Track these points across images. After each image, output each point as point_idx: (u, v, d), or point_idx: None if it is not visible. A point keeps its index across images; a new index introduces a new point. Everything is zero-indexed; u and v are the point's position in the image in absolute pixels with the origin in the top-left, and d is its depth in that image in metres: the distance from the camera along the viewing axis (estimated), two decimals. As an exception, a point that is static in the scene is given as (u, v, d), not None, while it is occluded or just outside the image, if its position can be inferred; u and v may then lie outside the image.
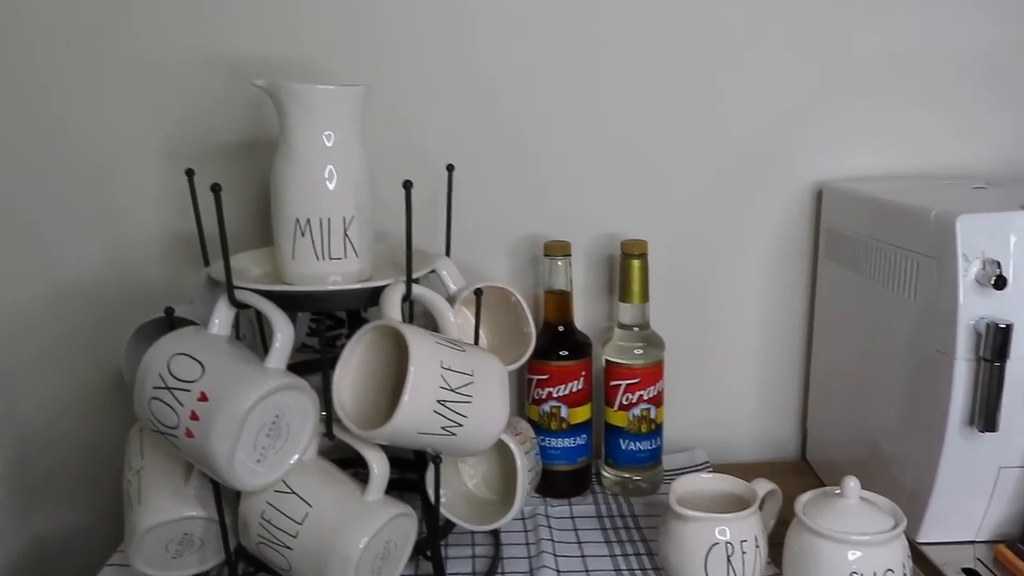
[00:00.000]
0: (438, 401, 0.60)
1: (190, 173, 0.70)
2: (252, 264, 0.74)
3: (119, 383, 0.85)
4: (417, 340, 0.60)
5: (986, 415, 0.65)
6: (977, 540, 0.71)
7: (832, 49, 0.88)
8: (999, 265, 0.63)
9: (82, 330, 0.89)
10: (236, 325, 0.67)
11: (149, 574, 0.66)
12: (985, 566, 0.68)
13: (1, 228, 0.86)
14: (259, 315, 0.76)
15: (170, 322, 0.65)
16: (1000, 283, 0.63)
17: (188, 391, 0.59)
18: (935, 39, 0.89)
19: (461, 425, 0.62)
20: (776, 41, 0.88)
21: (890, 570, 0.63)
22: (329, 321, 0.82)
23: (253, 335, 0.77)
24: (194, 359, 0.60)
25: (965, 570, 0.68)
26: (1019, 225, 0.65)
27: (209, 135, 0.85)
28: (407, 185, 0.63)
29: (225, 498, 0.66)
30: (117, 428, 0.88)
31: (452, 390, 0.61)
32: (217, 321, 0.64)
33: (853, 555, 0.63)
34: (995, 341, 0.63)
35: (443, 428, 0.61)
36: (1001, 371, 0.64)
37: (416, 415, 0.59)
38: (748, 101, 0.89)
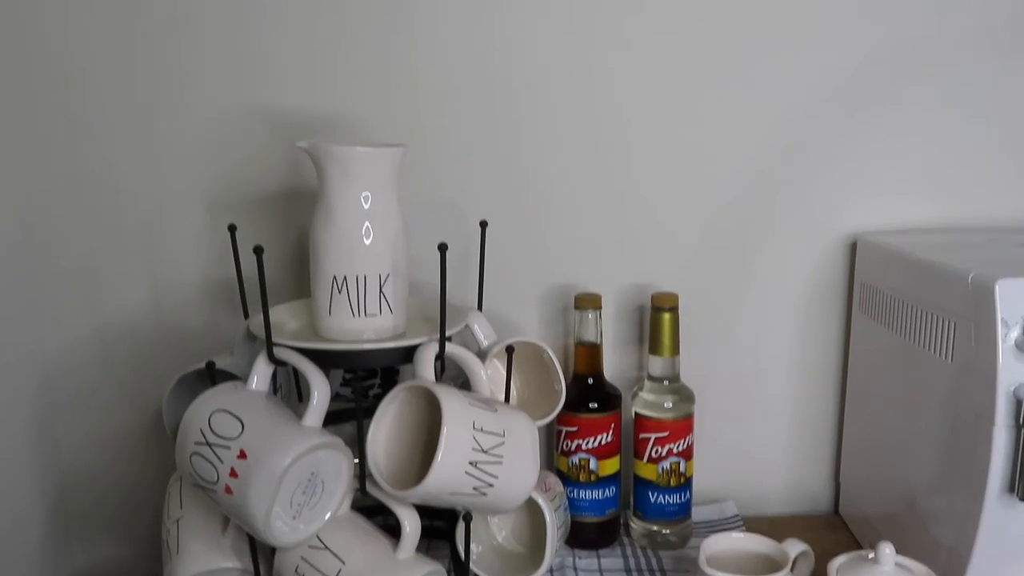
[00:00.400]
0: (470, 463, 0.61)
1: (232, 229, 0.72)
2: (289, 317, 0.75)
3: (157, 423, 0.87)
4: (450, 402, 0.61)
5: (1026, 484, 0.64)
6: (1018, 610, 0.70)
7: (868, 98, 0.88)
8: (1039, 332, 0.63)
9: (123, 371, 0.91)
10: (274, 376, 0.69)
11: (185, 623, 0.67)
12: (1025, 637, 0.67)
13: (52, 273, 0.88)
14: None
15: (211, 375, 0.67)
16: (1040, 351, 0.62)
17: (228, 448, 0.60)
18: (976, 88, 0.88)
19: (492, 486, 0.62)
20: (812, 90, 0.88)
21: (926, 641, 0.62)
22: (362, 372, 0.83)
23: (289, 386, 0.78)
24: (234, 416, 0.62)
25: (1004, 641, 0.67)
26: (1060, 291, 0.64)
27: (250, 186, 0.87)
28: (443, 248, 0.64)
29: (260, 550, 0.67)
30: (154, 467, 0.91)
31: (484, 451, 0.62)
32: (256, 377, 0.65)
33: (888, 624, 0.62)
34: (1035, 410, 0.62)
35: (474, 489, 0.62)
36: (1041, 441, 0.63)
37: (448, 477, 0.60)
38: (781, 151, 0.89)
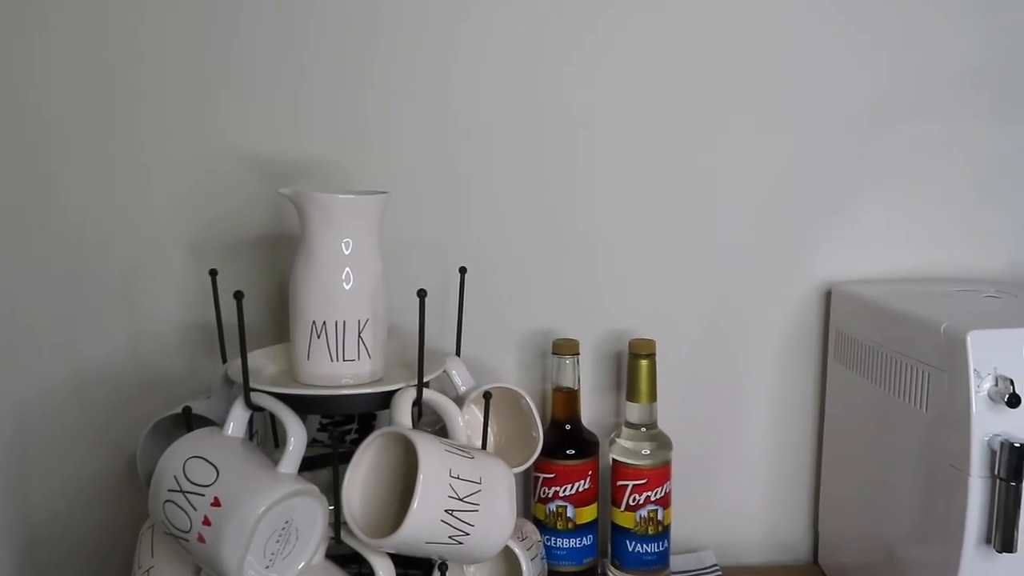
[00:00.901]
0: (446, 511, 0.60)
1: (213, 273, 0.72)
2: (268, 361, 0.75)
3: (133, 469, 0.86)
4: (426, 449, 0.61)
5: (1003, 535, 0.64)
6: (996, 660, 0.69)
7: (844, 148, 0.90)
8: (1012, 383, 0.63)
9: (100, 417, 0.90)
10: (250, 420, 0.68)
11: (152, 676, 0.66)
12: None
13: (30, 317, 0.87)
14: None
15: (187, 421, 0.66)
16: (1014, 401, 0.63)
17: (202, 495, 0.59)
18: (947, 141, 0.91)
19: (468, 534, 0.62)
20: (788, 141, 0.90)
21: None
22: (340, 417, 0.82)
23: (265, 431, 0.78)
24: (209, 463, 0.61)
25: None
26: (1032, 342, 0.65)
27: (232, 232, 0.88)
28: (422, 294, 0.65)
29: (231, 601, 0.65)
30: (128, 515, 0.89)
31: (460, 499, 0.61)
32: (233, 423, 0.65)
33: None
34: (1010, 460, 0.62)
35: (450, 537, 0.61)
36: (1018, 491, 0.63)
37: (424, 525, 0.59)
38: (756, 202, 0.91)
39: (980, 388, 0.65)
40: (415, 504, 0.58)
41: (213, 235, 0.88)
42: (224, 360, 0.75)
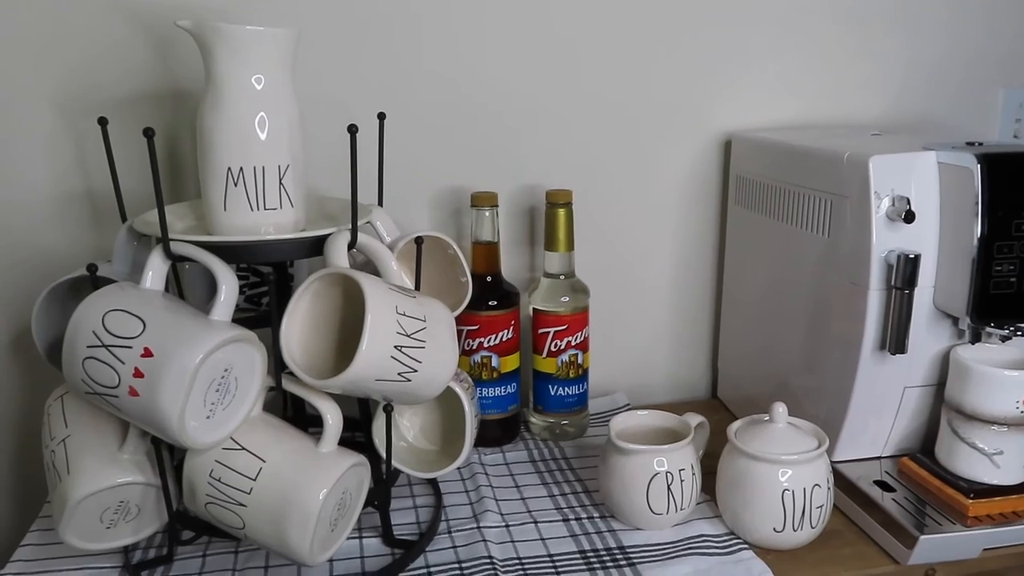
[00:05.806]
0: (395, 347, 0.59)
1: (103, 121, 0.66)
2: (174, 218, 0.69)
3: (16, 351, 0.79)
4: (372, 286, 0.59)
5: (897, 339, 0.70)
6: (883, 456, 0.78)
7: (737, 11, 0.93)
8: (908, 201, 0.69)
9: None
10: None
11: (80, 547, 0.62)
12: (893, 477, 0.75)
13: None
14: (176, 274, 0.72)
15: (94, 281, 0.61)
16: (909, 217, 0.68)
17: (129, 347, 0.55)
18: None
19: (416, 371, 0.61)
20: (687, 7, 0.91)
21: (817, 484, 0.68)
22: (255, 278, 0.79)
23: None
24: (132, 314, 0.57)
25: (876, 482, 0.74)
26: (924, 164, 0.70)
27: (106, 86, 0.80)
28: (353, 129, 0.62)
29: (165, 461, 0.62)
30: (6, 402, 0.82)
31: (408, 335, 0.60)
32: (151, 274, 0.60)
33: (784, 474, 0.68)
34: (906, 270, 0.69)
35: (399, 374, 0.60)
36: (911, 298, 0.69)
37: (374, 361, 0.58)
38: (662, 60, 0.92)
39: (879, 209, 0.71)
40: (365, 339, 0.57)
41: (84, 91, 0.80)
42: (124, 218, 0.69)
